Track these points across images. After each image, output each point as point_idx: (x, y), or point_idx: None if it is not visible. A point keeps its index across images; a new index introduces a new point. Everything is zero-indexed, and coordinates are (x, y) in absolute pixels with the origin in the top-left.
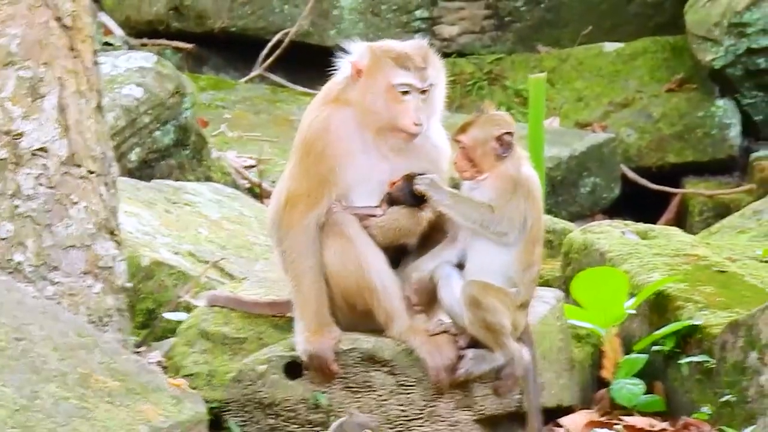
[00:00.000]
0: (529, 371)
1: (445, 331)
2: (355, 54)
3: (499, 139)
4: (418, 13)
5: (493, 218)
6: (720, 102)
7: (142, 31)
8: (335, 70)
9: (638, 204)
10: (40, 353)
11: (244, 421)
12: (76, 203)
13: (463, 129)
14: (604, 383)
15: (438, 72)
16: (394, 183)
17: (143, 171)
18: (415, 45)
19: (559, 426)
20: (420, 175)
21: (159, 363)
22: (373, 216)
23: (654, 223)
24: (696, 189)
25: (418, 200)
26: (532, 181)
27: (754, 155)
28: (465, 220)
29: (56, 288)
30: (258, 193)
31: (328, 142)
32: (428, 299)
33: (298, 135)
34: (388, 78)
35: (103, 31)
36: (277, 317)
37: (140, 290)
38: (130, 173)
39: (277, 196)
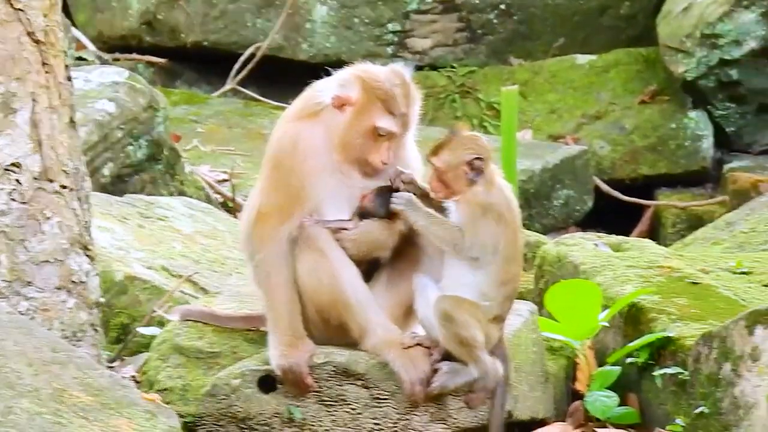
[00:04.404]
0: (498, 385)
1: (419, 344)
2: (341, 84)
3: (470, 164)
4: (391, 27)
5: (464, 242)
6: (692, 114)
7: (115, 46)
8: (308, 83)
9: (611, 216)
10: (14, 368)
11: None
12: (49, 218)
13: (435, 151)
14: (578, 395)
15: (415, 104)
16: (365, 195)
17: (116, 186)
18: (398, 77)
19: None
20: (397, 189)
21: (133, 378)
22: (345, 229)
23: (627, 235)
24: (669, 201)
25: (389, 213)
26: (503, 204)
27: (726, 167)
28: (439, 242)
29: (30, 303)
30: (231, 208)
31: (296, 159)
32: (403, 311)
33: (267, 150)
34: (373, 120)
35: (75, 46)
36: (251, 331)
37: (114, 305)
38: (103, 188)
39: (249, 210)
